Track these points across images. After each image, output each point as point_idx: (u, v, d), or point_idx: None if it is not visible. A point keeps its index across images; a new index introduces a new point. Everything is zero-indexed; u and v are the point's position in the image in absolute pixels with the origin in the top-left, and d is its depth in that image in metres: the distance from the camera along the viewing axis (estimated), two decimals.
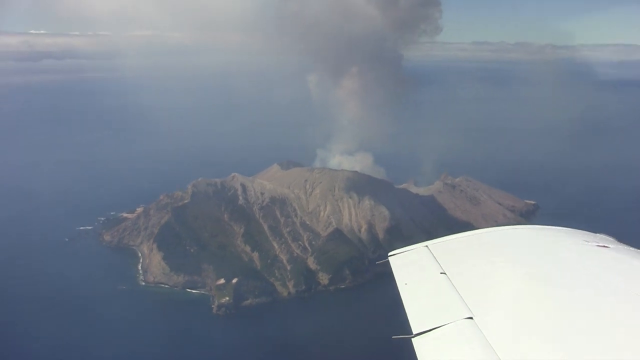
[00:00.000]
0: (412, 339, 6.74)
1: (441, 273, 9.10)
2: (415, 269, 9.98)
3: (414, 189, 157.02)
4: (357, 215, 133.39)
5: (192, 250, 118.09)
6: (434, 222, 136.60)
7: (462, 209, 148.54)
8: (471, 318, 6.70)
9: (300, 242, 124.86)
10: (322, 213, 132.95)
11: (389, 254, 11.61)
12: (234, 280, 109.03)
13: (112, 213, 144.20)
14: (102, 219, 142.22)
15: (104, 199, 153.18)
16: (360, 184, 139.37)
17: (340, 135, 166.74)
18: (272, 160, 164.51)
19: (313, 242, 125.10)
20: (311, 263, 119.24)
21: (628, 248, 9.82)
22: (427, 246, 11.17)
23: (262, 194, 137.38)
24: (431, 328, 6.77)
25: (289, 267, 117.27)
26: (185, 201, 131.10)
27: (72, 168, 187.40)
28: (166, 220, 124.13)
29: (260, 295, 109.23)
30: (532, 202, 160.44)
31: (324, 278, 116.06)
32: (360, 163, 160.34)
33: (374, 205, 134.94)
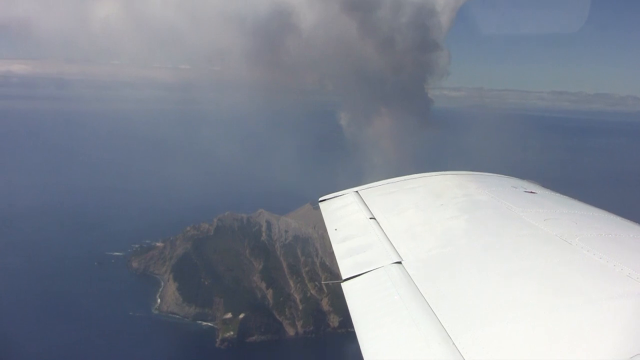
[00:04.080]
0: (342, 284, 6.77)
1: (370, 218, 9.07)
2: (345, 215, 9.97)
3: None
4: None
5: (206, 283, 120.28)
6: None
7: None
8: (399, 262, 6.77)
9: (316, 283, 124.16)
10: None
11: (320, 199, 11.44)
12: (241, 316, 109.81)
13: (147, 241, 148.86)
14: (136, 246, 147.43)
15: (142, 226, 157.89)
16: None
17: (371, 173, 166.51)
18: (306, 199, 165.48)
19: (330, 284, 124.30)
20: (325, 304, 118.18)
21: (553, 193, 9.97)
22: (357, 192, 11.08)
23: (285, 231, 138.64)
24: (360, 273, 6.83)
25: (301, 307, 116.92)
26: (209, 234, 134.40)
27: (119, 194, 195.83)
28: (185, 251, 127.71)
29: (266, 332, 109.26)
30: None
31: (334, 320, 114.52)
32: None
33: None
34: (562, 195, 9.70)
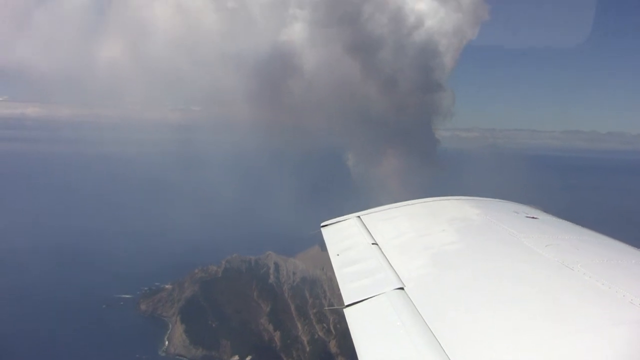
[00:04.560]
0: (344, 310, 6.73)
1: (373, 244, 8.98)
2: (347, 240, 9.81)
3: None
4: None
5: (213, 325, 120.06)
6: None
7: None
8: (402, 289, 6.68)
9: (324, 325, 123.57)
10: None
11: (322, 224, 11.35)
12: (248, 358, 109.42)
13: (156, 283, 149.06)
14: (145, 288, 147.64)
15: (152, 269, 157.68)
16: None
17: None
18: (315, 241, 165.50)
19: (338, 326, 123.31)
20: (332, 346, 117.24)
21: (555, 219, 9.94)
22: (359, 217, 10.97)
23: (294, 273, 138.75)
24: (363, 299, 6.78)
25: (308, 349, 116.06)
26: (217, 275, 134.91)
27: (130, 237, 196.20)
28: (193, 293, 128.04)
29: None
30: None
31: None
32: None
33: None
34: (564, 221, 9.69)
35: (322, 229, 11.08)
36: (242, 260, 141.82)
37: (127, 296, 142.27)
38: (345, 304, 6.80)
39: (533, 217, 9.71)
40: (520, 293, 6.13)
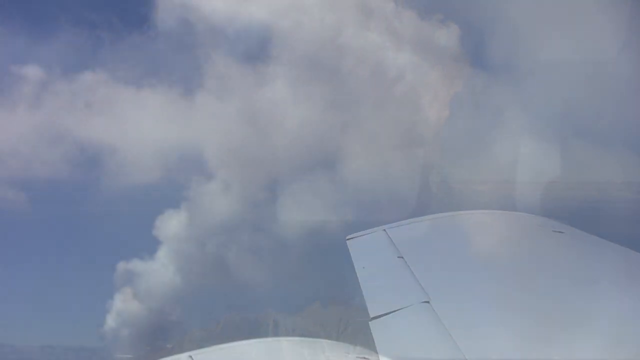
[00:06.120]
0: (369, 322, 6.69)
1: (398, 257, 8.88)
2: (373, 253, 9.89)
3: None
4: None
5: None
6: None
7: None
8: (427, 302, 6.64)
9: None
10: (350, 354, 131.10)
11: (347, 237, 11.17)
12: None
13: (159, 343, 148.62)
14: (148, 348, 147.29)
15: (156, 328, 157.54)
16: None
17: None
18: (315, 298, 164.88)
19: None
20: None
21: (582, 233, 9.88)
22: (385, 230, 10.80)
23: (292, 331, 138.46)
24: (388, 312, 6.74)
25: None
26: (216, 333, 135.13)
27: (134, 296, 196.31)
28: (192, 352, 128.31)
29: None
30: None
31: None
32: None
33: None
34: (590, 235, 9.61)
35: (348, 242, 10.93)
36: (242, 318, 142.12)
37: (127, 356, 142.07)
38: (371, 316, 6.82)
39: (559, 232, 9.70)
40: (544, 307, 6.12)
